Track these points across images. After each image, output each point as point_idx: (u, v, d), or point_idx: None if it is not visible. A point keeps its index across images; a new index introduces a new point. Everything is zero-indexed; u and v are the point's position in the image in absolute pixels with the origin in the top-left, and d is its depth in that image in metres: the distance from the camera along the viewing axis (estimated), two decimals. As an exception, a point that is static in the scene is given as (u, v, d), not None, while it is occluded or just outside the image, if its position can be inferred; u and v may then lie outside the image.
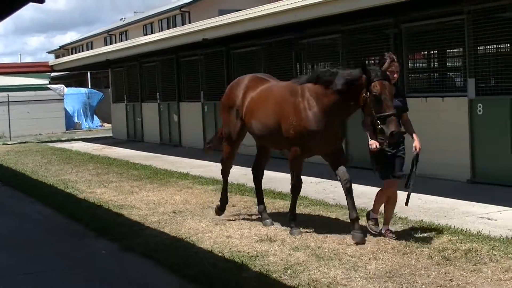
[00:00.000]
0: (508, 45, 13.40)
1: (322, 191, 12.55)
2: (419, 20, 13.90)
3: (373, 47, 15.35)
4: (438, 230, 8.86)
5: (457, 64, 14.83)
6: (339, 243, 8.41)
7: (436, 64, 15.66)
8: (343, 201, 9.23)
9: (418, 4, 12.43)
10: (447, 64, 15.17)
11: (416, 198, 10.69)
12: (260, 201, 9.79)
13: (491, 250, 7.69)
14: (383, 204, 8.50)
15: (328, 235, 8.82)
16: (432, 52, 15.92)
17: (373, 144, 7.72)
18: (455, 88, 14.06)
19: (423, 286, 6.53)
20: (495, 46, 13.23)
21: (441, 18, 13.29)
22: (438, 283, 6.58)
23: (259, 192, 9.87)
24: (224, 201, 10.01)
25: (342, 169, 8.28)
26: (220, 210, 10.00)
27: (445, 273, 6.86)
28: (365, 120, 7.97)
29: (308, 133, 8.17)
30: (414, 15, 13.75)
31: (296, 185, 8.69)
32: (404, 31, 14.05)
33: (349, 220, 8.56)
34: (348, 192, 8.22)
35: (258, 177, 9.88)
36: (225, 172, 10.06)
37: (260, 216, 9.66)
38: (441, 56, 15.23)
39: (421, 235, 8.64)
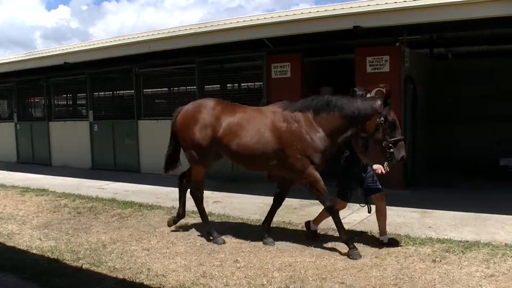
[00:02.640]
0: (219, 86, 13.56)
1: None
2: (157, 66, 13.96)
3: (119, 85, 15.40)
4: (76, 196, 10.12)
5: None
6: (15, 209, 9.22)
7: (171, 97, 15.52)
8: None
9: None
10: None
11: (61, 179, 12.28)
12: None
13: (104, 206, 9.17)
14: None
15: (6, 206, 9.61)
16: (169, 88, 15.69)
17: (379, 169, 6.09)
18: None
19: (67, 230, 7.57)
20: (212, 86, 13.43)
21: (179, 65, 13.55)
22: (75, 227, 7.73)
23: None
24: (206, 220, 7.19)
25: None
26: (209, 231, 6.95)
27: (78, 220, 8.18)
28: (357, 145, 6.26)
29: (315, 151, 6.15)
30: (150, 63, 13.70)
31: (333, 205, 6.19)
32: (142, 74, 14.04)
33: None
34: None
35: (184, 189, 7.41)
36: (202, 199, 7.17)
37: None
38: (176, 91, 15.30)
39: (63, 201, 9.78)
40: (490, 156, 12.48)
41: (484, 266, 5.47)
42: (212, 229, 6.91)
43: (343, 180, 6.50)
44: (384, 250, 6.10)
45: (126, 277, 5.49)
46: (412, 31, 9.94)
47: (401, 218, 7.65)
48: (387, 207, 6.40)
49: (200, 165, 6.91)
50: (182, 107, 7.12)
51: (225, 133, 6.56)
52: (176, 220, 7.41)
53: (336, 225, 6.21)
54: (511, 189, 9.88)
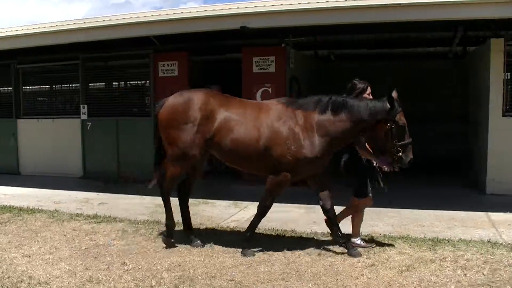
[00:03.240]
0: (105, 84, 13.21)
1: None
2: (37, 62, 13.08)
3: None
4: None
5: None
6: None
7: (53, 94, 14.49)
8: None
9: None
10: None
11: None
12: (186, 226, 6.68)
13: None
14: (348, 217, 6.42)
15: None
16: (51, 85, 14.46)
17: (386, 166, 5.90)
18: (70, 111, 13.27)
19: None
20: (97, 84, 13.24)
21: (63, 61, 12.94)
22: None
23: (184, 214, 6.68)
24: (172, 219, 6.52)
25: (325, 194, 6.13)
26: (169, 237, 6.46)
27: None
28: (361, 145, 5.99)
29: (308, 159, 5.77)
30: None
31: (269, 208, 6.07)
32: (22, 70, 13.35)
33: None
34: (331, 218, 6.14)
35: (183, 199, 6.67)
36: (169, 196, 6.46)
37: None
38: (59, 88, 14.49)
39: None
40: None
41: (365, 256, 5.76)
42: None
43: (359, 179, 6.18)
44: (272, 246, 6.21)
45: (5, 287, 5.13)
46: (297, 33, 10.23)
47: (288, 214, 7.85)
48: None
49: (180, 165, 6.18)
50: (166, 99, 6.33)
51: (219, 129, 5.94)
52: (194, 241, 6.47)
53: (252, 223, 6.14)
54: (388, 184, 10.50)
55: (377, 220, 7.52)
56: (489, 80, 9.26)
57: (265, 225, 7.03)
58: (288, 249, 6.09)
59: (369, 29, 9.81)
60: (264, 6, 8.62)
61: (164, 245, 6.34)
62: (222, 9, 8.90)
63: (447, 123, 13.25)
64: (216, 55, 12.92)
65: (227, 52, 12.45)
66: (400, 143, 5.61)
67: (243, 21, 8.71)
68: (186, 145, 6.01)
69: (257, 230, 6.84)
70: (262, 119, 5.90)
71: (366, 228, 6.91)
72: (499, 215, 7.72)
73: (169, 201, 6.43)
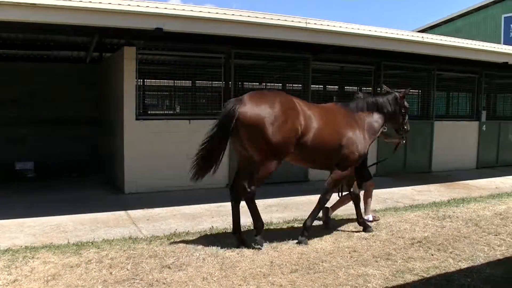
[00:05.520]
0: None
1: None
2: None
3: None
4: None
5: None
6: None
7: None
8: None
9: None
10: None
11: None
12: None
13: None
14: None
15: None
16: None
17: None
18: None
19: None
20: None
21: None
22: None
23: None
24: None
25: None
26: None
27: None
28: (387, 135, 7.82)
29: (365, 154, 7.19)
30: None
31: (328, 200, 6.97)
32: None
33: None
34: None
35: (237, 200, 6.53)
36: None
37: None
38: None
39: None
40: (6, 160, 12.49)
41: (6, 273, 5.36)
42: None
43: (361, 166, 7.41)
44: None
45: None
46: None
47: None
48: None
49: (276, 163, 6.34)
50: (239, 101, 6.19)
51: (307, 129, 6.42)
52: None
53: (312, 214, 6.80)
54: (27, 192, 10.12)
55: (18, 232, 7.13)
56: (123, 85, 9.80)
57: None
58: None
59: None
60: None
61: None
62: None
63: (78, 126, 13.58)
64: None
65: None
66: (405, 121, 7.51)
67: None
68: (284, 144, 6.22)
69: None
70: (337, 122, 6.76)
71: (5, 242, 6.53)
72: (137, 212, 8.30)
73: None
